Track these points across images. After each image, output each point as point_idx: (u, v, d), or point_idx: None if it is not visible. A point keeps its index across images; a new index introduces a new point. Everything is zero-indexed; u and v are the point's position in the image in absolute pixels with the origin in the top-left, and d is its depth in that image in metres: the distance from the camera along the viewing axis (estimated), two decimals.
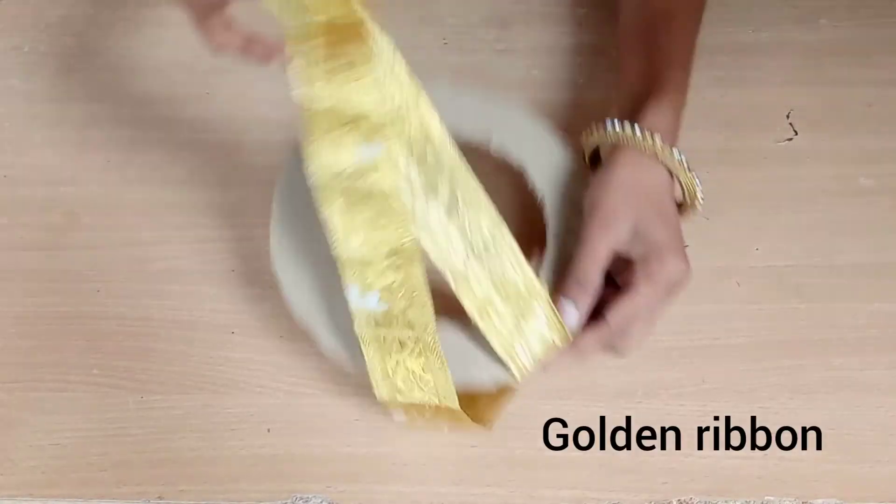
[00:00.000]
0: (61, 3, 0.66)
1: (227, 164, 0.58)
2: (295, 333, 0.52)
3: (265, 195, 0.57)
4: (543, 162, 0.51)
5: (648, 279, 0.44)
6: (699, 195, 0.49)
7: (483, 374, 0.46)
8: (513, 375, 0.45)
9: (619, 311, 0.45)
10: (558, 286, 0.46)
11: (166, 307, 0.53)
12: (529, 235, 0.54)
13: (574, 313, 0.45)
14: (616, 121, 0.48)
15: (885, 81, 0.62)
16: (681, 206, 0.50)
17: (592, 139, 0.50)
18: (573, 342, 0.45)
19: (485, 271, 0.45)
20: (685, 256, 0.46)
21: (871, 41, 0.64)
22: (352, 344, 0.46)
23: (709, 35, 0.64)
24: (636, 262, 0.45)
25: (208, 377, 0.51)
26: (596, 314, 0.46)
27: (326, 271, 0.47)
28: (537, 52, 0.64)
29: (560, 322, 0.45)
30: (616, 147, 0.48)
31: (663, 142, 0.47)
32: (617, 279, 0.47)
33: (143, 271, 0.54)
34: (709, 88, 0.61)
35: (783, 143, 0.60)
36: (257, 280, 0.54)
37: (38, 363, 0.51)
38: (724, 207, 0.56)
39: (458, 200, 0.45)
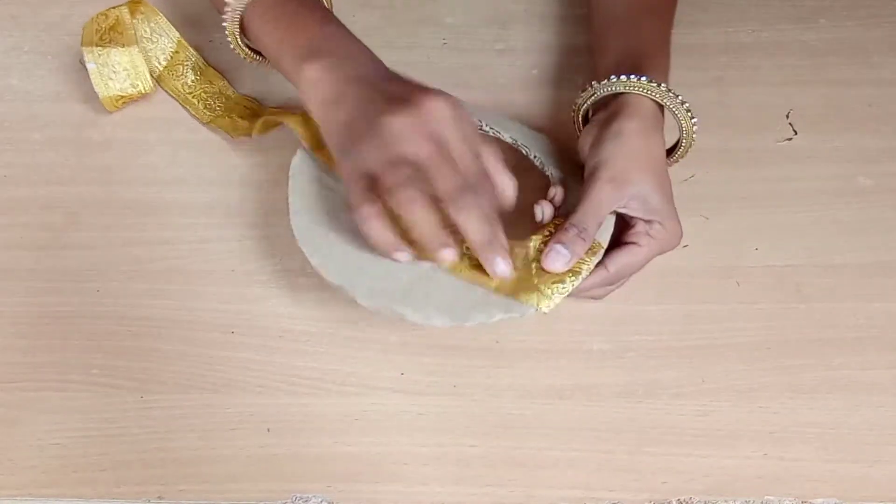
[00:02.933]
0: (61, 3, 0.66)
1: (227, 164, 0.58)
2: (295, 333, 0.52)
3: (265, 195, 0.57)
4: (533, 145, 0.55)
5: (650, 239, 0.49)
6: (693, 132, 0.51)
7: (482, 317, 0.46)
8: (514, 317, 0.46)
9: (620, 262, 0.49)
10: (557, 233, 0.47)
11: (166, 307, 0.53)
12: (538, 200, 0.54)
13: (565, 261, 0.46)
14: (622, 75, 0.50)
15: (885, 81, 0.62)
16: (669, 152, 0.52)
17: (592, 93, 0.52)
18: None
19: None
20: (679, 220, 0.50)
21: (871, 41, 0.64)
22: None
23: (709, 35, 0.64)
24: (636, 223, 0.49)
25: (208, 377, 0.51)
26: None
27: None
28: (537, 52, 0.64)
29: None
30: (622, 113, 0.50)
31: (668, 88, 0.50)
32: None
33: (143, 271, 0.54)
34: (709, 88, 0.61)
35: (783, 143, 0.60)
36: (257, 280, 0.54)
37: (38, 363, 0.51)
38: (724, 207, 0.56)
39: None
